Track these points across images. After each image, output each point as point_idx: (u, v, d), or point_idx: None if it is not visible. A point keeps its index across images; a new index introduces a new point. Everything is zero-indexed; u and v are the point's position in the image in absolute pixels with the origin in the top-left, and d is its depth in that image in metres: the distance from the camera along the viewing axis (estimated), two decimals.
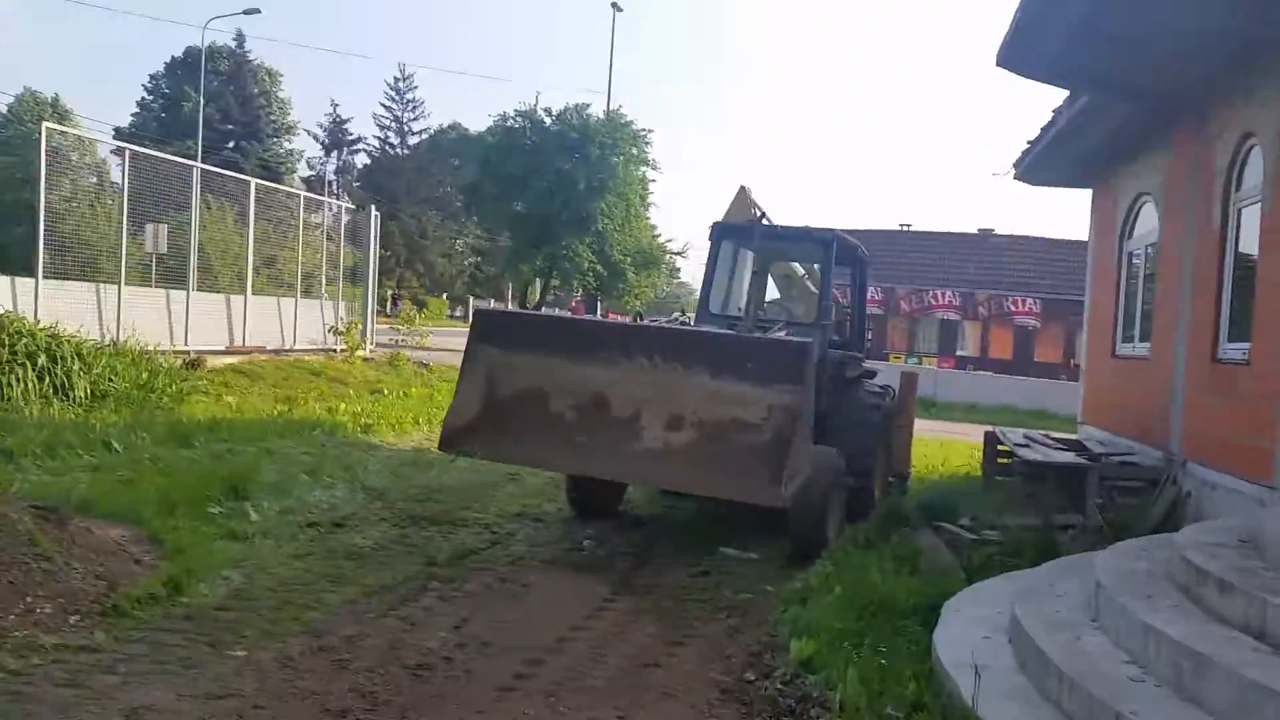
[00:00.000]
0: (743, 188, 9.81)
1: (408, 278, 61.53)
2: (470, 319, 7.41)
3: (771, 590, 6.60)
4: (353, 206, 23.60)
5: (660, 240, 42.06)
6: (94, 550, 5.55)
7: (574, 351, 6.84)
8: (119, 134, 58.31)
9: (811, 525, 7.31)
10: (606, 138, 35.36)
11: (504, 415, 6.99)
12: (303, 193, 21.35)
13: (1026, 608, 5.12)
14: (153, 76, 61.32)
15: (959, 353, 39.51)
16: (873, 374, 9.95)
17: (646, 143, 36.70)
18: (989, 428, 12.46)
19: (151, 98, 61.05)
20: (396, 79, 66.17)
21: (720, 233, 9.53)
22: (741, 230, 9.38)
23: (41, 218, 12.20)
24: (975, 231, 44.43)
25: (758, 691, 4.81)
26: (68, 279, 13.15)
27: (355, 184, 63.89)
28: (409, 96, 66.38)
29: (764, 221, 9.31)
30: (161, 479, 7.89)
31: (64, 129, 22.01)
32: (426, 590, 6.09)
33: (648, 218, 39.25)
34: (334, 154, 67.82)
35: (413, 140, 65.96)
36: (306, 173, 63.95)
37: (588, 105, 36.96)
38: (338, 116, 67.10)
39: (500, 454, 7.28)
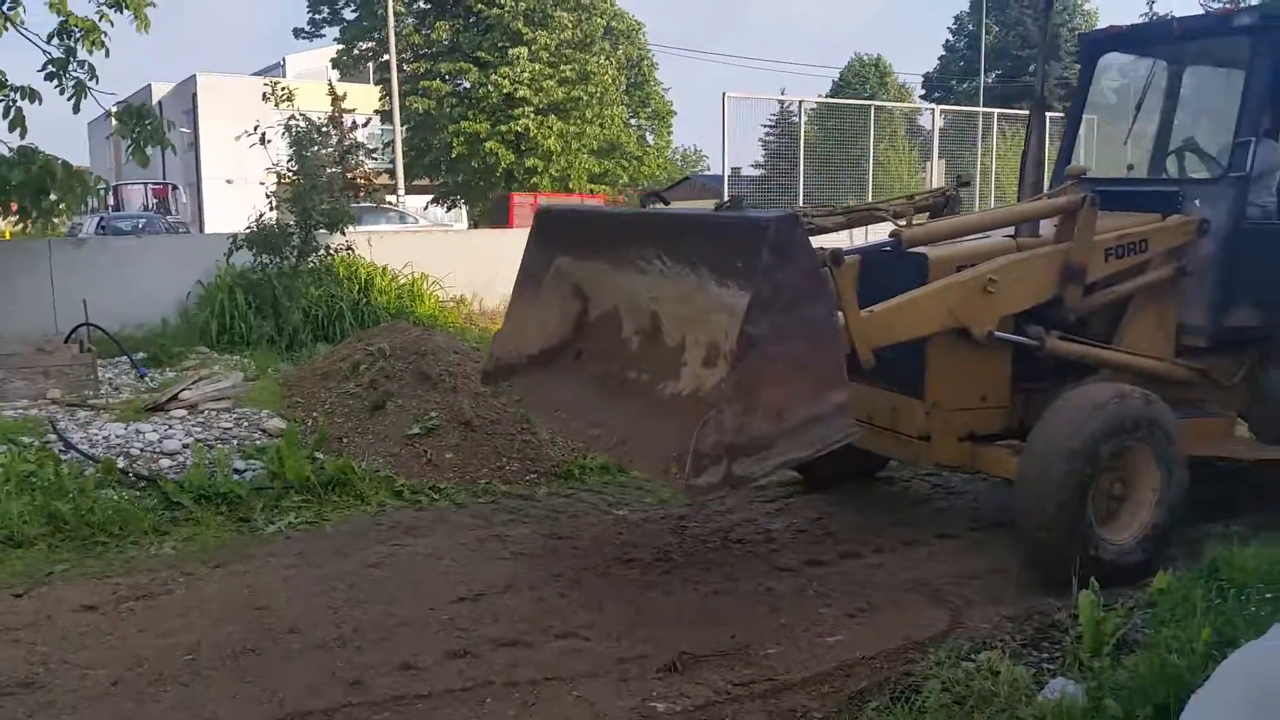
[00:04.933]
0: None
1: None
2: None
3: None
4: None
5: None
6: None
7: (613, 255, 4.80)
8: (927, 80, 62.48)
9: (1039, 533, 4.53)
10: None
11: (567, 344, 5.07)
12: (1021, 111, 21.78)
13: None
14: (956, 17, 63.84)
15: None
16: None
17: None
18: None
19: (955, 38, 63.66)
20: None
21: (1094, 45, 6.52)
22: (1135, 35, 6.55)
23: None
24: None
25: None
26: None
27: None
28: None
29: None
30: None
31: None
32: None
33: None
34: None
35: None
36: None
37: None
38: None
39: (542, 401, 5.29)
